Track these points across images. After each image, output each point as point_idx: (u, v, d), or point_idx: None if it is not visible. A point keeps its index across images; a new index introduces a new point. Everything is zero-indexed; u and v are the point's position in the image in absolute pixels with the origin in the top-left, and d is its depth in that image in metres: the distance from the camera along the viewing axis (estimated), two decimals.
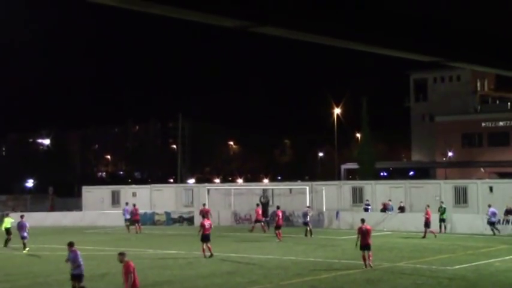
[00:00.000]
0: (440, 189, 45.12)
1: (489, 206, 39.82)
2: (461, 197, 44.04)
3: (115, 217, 52.35)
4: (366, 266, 25.70)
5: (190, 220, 50.41)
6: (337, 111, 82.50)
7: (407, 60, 17.57)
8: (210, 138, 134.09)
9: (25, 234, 34.95)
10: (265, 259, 29.52)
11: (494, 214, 39.17)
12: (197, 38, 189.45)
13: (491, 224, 39.06)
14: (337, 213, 46.04)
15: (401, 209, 44.46)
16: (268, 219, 44.40)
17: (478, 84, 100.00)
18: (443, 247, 33.25)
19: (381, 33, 11.72)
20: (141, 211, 52.52)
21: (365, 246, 25.93)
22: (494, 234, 38.66)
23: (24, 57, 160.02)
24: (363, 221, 27.15)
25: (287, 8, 10.32)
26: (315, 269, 26.09)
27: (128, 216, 46.55)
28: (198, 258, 29.61)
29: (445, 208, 40.59)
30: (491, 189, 43.50)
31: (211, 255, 29.81)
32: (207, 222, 30.94)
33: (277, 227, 37.83)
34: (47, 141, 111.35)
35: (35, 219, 48.98)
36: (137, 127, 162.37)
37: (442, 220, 40.30)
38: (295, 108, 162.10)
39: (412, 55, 13.40)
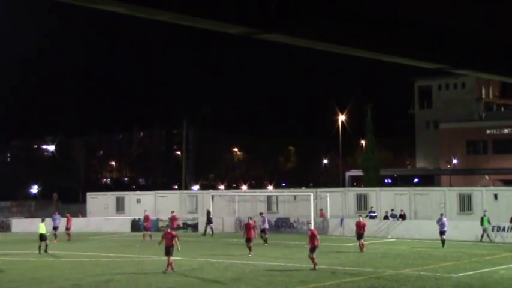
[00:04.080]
0: (445, 197, 44.99)
1: (442, 214, 38.42)
2: (465, 205, 43.92)
3: (119, 223, 52.49)
4: (314, 267, 27.47)
5: (194, 226, 50.39)
6: (341, 118, 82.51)
7: (411, 67, 17.60)
8: (214, 144, 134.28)
9: None
10: (270, 266, 29.49)
11: (444, 224, 37.44)
12: (202, 45, 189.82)
13: (443, 233, 37.13)
14: (342, 220, 46.00)
15: (403, 217, 44.34)
16: (207, 226, 46.56)
17: (483, 91, 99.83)
18: (448, 254, 33.18)
19: (386, 41, 11.76)
20: None
21: (312, 248, 27.97)
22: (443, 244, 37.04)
23: (29, 63, 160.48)
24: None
25: (291, 15, 10.36)
26: (318, 276, 26.04)
27: (58, 225, 44.66)
28: (202, 265, 29.58)
29: (488, 219, 39.43)
30: (495, 196, 43.37)
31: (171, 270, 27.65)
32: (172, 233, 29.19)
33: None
34: (51, 148, 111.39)
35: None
36: (142, 134, 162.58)
37: (484, 230, 39.51)
38: (300, 114, 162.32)
39: (417, 62, 13.44)
